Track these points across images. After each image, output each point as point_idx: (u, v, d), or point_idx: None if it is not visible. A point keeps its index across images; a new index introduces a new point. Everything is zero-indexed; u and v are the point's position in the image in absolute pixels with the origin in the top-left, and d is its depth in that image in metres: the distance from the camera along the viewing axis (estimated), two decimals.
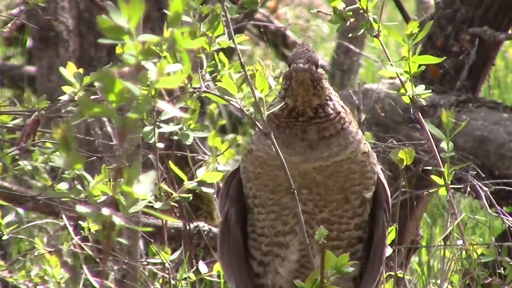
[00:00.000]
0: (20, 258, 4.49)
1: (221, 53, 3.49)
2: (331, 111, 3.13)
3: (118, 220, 2.23)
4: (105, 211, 2.25)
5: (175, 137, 3.61)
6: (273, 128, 3.12)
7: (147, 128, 3.44)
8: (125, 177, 2.22)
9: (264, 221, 3.20)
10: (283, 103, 3.13)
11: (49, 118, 3.79)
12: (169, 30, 2.30)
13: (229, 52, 3.47)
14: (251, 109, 3.22)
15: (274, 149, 3.06)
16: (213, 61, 3.49)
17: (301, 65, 3.09)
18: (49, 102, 3.71)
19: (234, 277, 3.29)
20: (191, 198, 3.71)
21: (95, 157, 3.78)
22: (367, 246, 3.24)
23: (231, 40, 3.28)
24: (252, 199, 3.20)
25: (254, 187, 3.19)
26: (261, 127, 3.07)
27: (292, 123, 3.12)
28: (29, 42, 8.20)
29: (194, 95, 3.46)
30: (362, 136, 3.20)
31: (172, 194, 3.69)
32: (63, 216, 4.23)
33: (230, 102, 3.21)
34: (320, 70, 3.13)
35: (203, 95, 3.42)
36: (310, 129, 3.11)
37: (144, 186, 2.23)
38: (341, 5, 3.46)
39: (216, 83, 3.39)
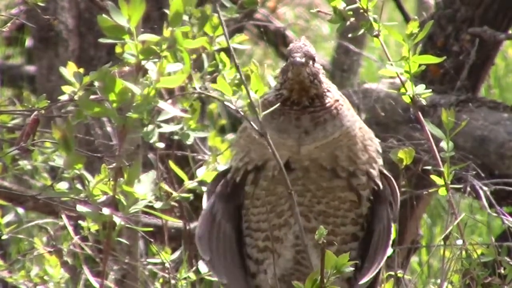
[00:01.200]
0: (20, 258, 4.48)
1: (222, 53, 3.49)
2: (329, 100, 3.13)
3: (118, 220, 2.23)
4: (105, 211, 2.25)
5: (176, 137, 3.60)
6: (267, 114, 3.08)
7: (147, 128, 3.44)
8: (125, 177, 2.22)
9: (259, 215, 3.18)
10: (277, 93, 3.13)
11: (49, 118, 3.78)
12: (169, 30, 2.30)
13: (230, 52, 3.47)
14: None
15: (269, 147, 3.04)
16: (214, 61, 3.49)
17: (298, 59, 3.08)
18: (49, 101, 3.71)
19: (209, 252, 3.20)
20: (191, 197, 3.71)
21: (95, 157, 3.78)
22: (365, 245, 3.23)
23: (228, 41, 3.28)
24: (247, 194, 3.17)
25: (238, 158, 3.18)
26: (256, 128, 3.06)
27: (286, 111, 3.12)
28: (28, 42, 8.19)
29: (193, 95, 3.46)
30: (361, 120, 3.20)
31: (172, 194, 3.69)
32: (63, 216, 4.23)
33: (225, 102, 3.21)
34: (317, 64, 3.13)
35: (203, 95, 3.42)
36: (304, 117, 3.11)
37: (144, 186, 2.23)
38: (341, 5, 3.46)
39: (212, 84, 3.39)
